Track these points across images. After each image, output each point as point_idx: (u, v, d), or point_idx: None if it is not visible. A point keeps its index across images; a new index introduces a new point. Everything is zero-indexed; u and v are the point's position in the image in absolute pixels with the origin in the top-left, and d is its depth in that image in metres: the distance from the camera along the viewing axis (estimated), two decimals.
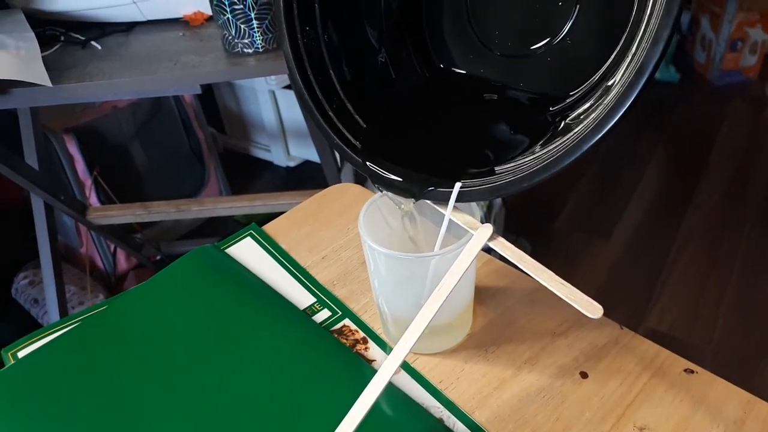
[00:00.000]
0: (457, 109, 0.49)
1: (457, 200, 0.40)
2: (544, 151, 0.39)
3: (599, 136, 0.33)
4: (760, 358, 1.30)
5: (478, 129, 0.47)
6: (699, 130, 2.05)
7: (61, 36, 0.89)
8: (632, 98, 0.32)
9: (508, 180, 0.38)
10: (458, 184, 0.40)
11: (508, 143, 0.44)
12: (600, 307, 0.35)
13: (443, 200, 0.41)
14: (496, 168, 0.41)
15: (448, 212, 0.40)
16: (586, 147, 0.34)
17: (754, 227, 1.63)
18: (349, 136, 0.45)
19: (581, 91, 0.43)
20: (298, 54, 0.45)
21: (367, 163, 0.44)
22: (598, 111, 0.36)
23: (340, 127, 0.45)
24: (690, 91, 2.26)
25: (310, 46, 0.45)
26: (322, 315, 0.50)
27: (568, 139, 0.37)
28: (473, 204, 0.43)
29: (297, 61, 0.45)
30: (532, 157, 0.39)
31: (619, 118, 0.33)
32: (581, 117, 0.40)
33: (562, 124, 0.41)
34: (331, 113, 0.45)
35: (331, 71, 0.46)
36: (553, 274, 0.37)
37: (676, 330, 1.38)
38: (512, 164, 0.40)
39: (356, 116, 0.46)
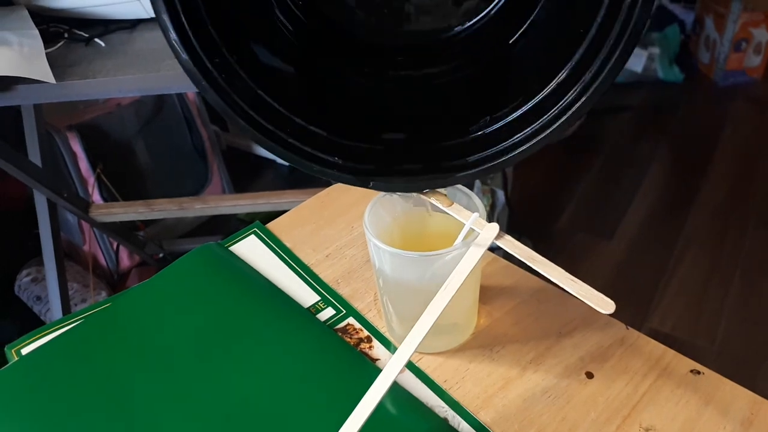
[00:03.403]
0: (405, 78, 0.46)
1: (479, 176, 0.40)
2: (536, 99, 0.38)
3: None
4: (763, 358, 1.30)
5: (433, 91, 0.45)
6: (703, 131, 2.04)
7: (64, 33, 0.89)
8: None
9: (522, 147, 0.38)
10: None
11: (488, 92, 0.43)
12: (611, 302, 0.35)
13: (464, 182, 0.41)
14: (489, 129, 0.40)
15: (472, 209, 0.40)
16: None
17: (758, 227, 1.63)
18: (325, 156, 0.41)
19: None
20: (228, 96, 0.39)
21: (371, 183, 0.42)
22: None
23: (310, 150, 0.41)
24: (694, 92, 2.25)
25: (231, 80, 0.40)
26: (326, 313, 0.50)
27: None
28: (478, 202, 0.42)
29: (232, 105, 0.39)
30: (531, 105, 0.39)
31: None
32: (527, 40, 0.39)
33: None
34: (292, 140, 0.41)
35: (260, 92, 0.41)
36: (563, 270, 0.37)
37: (679, 330, 1.38)
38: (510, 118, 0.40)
39: (312, 128, 0.42)
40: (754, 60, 2.23)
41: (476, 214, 0.40)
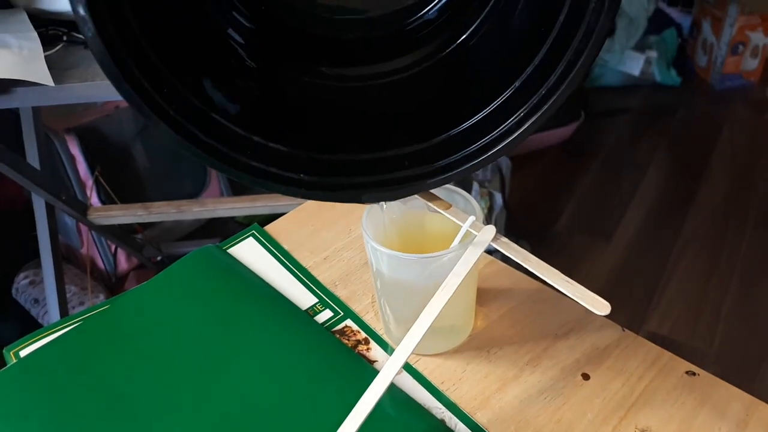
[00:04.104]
0: (362, 77, 0.44)
1: (449, 181, 0.39)
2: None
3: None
4: (761, 361, 1.30)
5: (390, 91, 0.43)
6: (700, 134, 2.05)
7: (63, 36, 0.89)
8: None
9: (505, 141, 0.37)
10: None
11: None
12: (607, 303, 0.35)
13: (435, 188, 0.40)
14: (455, 131, 0.39)
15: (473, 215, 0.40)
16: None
17: (756, 230, 1.63)
18: (289, 174, 0.39)
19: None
20: (180, 126, 0.36)
21: (363, 197, 0.40)
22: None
23: (275, 170, 0.39)
24: (691, 95, 2.26)
25: (182, 109, 0.37)
26: (324, 315, 0.50)
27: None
28: (475, 205, 0.43)
29: (186, 135, 0.36)
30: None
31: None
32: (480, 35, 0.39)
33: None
34: (255, 163, 0.38)
35: (214, 115, 0.38)
36: (559, 272, 0.37)
37: (677, 333, 1.38)
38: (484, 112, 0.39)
39: (272, 145, 0.39)
40: (751, 63, 2.24)
41: (473, 217, 0.41)
